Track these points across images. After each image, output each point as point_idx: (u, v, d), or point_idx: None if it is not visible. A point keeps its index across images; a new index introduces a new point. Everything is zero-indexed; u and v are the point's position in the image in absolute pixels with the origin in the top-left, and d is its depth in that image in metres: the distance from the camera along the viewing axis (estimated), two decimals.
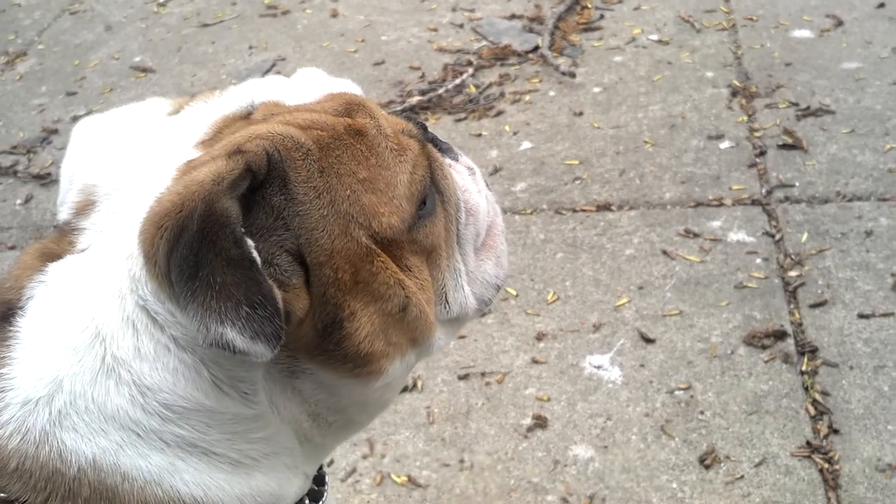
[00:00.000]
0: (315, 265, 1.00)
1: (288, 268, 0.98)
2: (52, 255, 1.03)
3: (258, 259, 0.91)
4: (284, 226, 0.98)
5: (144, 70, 4.28)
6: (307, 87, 1.12)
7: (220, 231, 0.89)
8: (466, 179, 1.22)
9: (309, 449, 1.12)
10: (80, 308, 0.97)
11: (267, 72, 4.11)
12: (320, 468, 1.24)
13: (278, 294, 0.93)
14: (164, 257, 0.90)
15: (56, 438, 0.95)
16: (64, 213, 1.06)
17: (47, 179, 3.58)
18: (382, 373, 1.08)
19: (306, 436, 1.10)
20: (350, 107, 1.08)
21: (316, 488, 1.21)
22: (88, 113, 3.97)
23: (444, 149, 1.22)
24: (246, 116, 1.07)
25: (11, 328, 0.99)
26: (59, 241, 1.04)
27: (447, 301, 1.17)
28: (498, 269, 1.25)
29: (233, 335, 0.87)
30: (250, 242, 0.92)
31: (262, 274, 0.90)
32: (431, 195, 1.13)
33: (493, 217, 1.26)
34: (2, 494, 0.95)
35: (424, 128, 1.20)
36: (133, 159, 1.05)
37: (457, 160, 1.24)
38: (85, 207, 1.04)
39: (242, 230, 0.92)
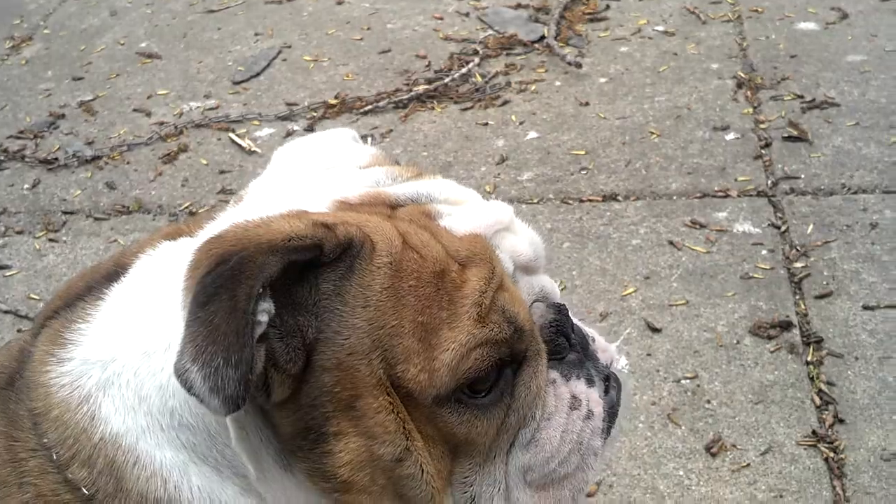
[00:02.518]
0: (318, 366, 0.97)
1: (293, 354, 0.96)
2: (175, 237, 1.10)
3: (261, 327, 0.91)
4: (315, 313, 0.97)
5: (150, 56, 4.28)
6: (472, 212, 1.06)
7: (246, 279, 0.89)
8: (563, 411, 1.09)
9: None
10: (159, 289, 1.03)
11: (272, 59, 4.12)
12: None
13: (259, 365, 0.91)
14: (197, 276, 0.92)
15: (96, 403, 1.00)
16: None
17: (54, 164, 3.59)
18: None
19: None
20: (473, 257, 1.02)
21: None
22: (95, 98, 3.98)
23: (572, 361, 1.11)
24: (394, 206, 1.05)
25: (107, 290, 1.07)
26: (191, 227, 1.11)
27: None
28: None
29: (196, 376, 0.86)
30: (264, 316, 0.92)
31: (253, 340, 0.89)
32: (501, 391, 1.04)
33: (583, 472, 1.12)
34: (45, 440, 1.00)
35: (563, 327, 1.09)
36: (293, 188, 1.10)
37: (578, 378, 1.10)
38: None
39: (269, 294, 0.92)
